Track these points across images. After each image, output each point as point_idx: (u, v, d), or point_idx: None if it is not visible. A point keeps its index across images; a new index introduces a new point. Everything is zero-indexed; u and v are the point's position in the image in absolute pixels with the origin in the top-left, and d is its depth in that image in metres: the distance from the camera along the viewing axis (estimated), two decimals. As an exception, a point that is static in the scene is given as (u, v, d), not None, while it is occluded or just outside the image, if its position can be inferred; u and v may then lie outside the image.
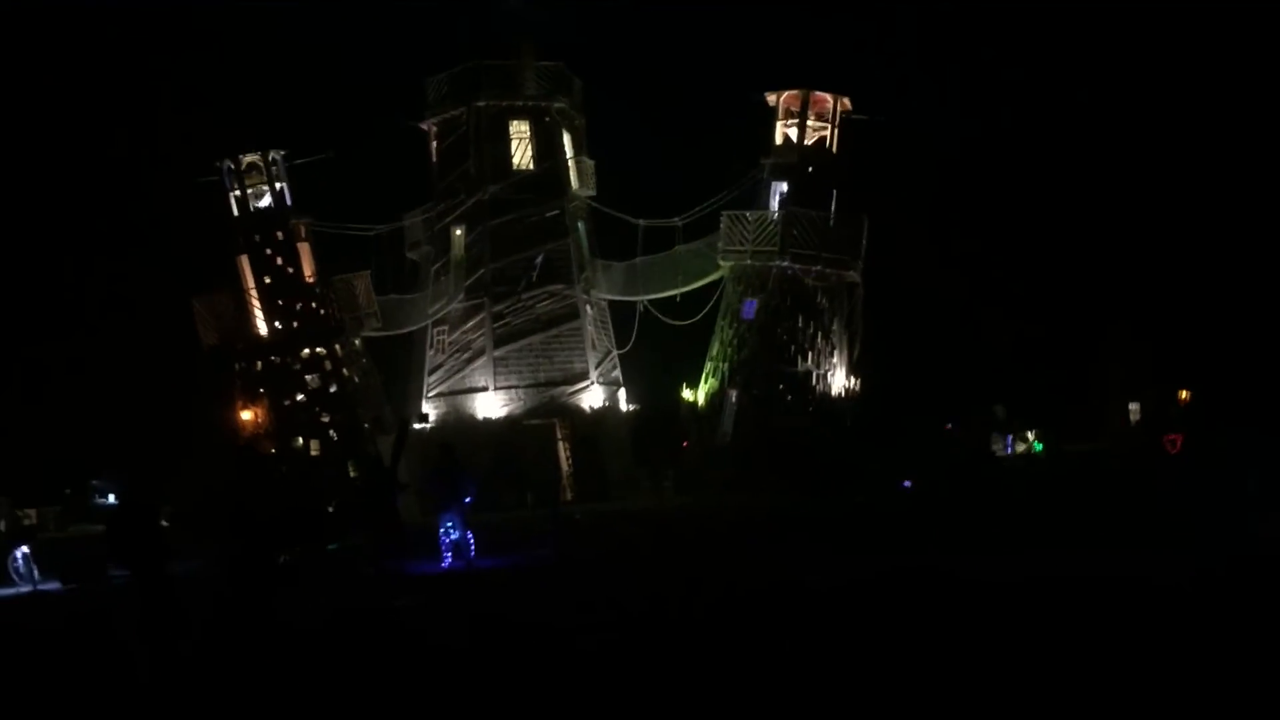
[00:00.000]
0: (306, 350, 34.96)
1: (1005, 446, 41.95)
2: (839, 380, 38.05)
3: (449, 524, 21.53)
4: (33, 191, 43.70)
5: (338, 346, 35.29)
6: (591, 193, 39.48)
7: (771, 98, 37.95)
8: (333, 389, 35.12)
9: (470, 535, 21.79)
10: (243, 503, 14.05)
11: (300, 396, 34.94)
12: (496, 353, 37.76)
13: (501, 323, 37.82)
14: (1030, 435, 46.14)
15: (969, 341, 48.47)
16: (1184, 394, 50.26)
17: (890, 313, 41.60)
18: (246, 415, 34.85)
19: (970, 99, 50.56)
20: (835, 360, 37.93)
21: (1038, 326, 51.63)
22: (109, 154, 44.30)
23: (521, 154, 38.72)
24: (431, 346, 38.97)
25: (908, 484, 33.19)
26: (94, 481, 38.16)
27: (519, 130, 38.73)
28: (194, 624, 13.37)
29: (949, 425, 37.30)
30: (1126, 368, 50.68)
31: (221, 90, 43.07)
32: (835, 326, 37.89)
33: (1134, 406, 50.53)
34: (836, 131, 37.92)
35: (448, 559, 21.48)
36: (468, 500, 21.81)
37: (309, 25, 42.95)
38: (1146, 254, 49.92)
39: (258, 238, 34.93)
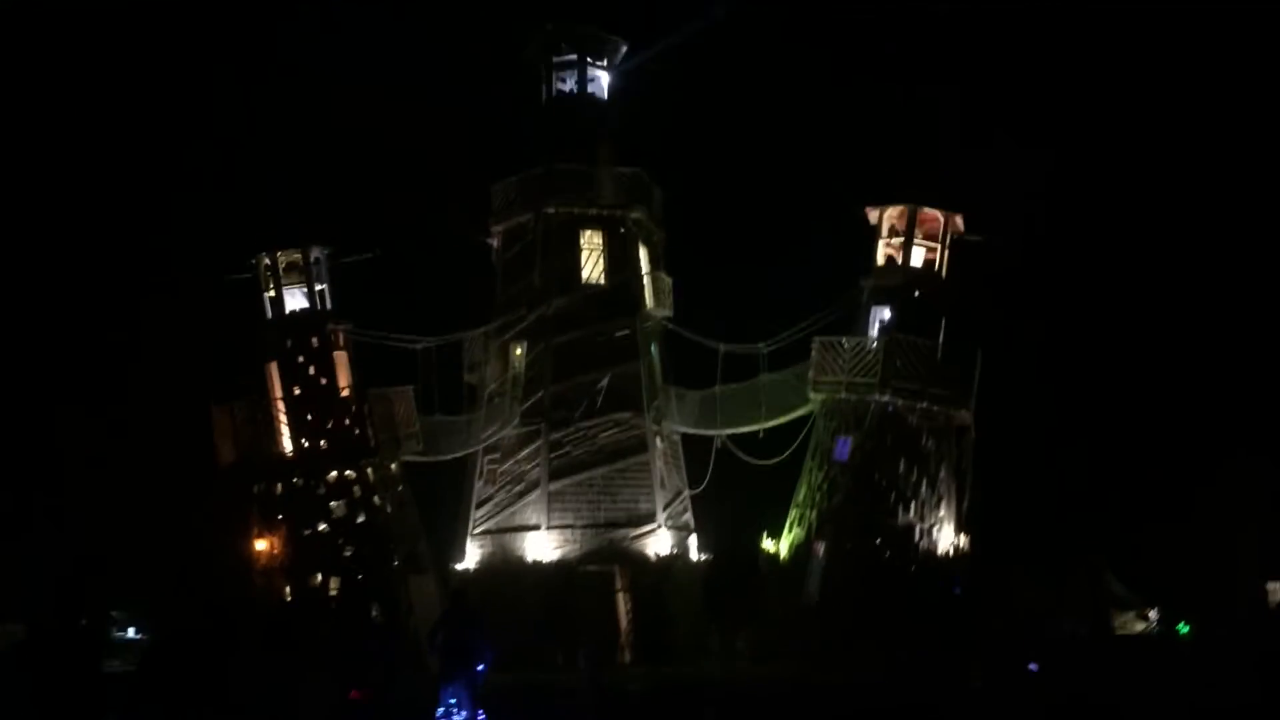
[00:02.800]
0: (334, 472, 29.34)
1: (1153, 628, 34.58)
2: (946, 536, 31.43)
3: (452, 701, 15.38)
4: (41, 273, 39.08)
5: (370, 470, 29.65)
6: (668, 313, 34.12)
7: (873, 214, 32.54)
8: (360, 518, 29.35)
9: (483, 716, 15.60)
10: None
11: (323, 526, 29.19)
12: (552, 486, 31.97)
13: (560, 453, 32.13)
14: (1151, 615, 38.95)
15: (1079, 495, 41.39)
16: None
17: (1000, 461, 35.01)
18: (261, 545, 29.15)
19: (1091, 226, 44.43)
20: (942, 513, 31.39)
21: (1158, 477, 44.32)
22: (130, 240, 39.81)
23: (592, 266, 33.61)
24: (480, 476, 33.28)
25: (1034, 666, 26.57)
26: (114, 613, 32.73)
27: (591, 241, 33.73)
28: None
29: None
30: (1265, 532, 42.91)
31: (262, 178, 38.60)
32: (943, 474, 31.49)
33: (1275, 586, 42.64)
34: (947, 253, 32.24)
35: (447, 752, 15.26)
36: (481, 668, 15.70)
37: (367, 112, 38.40)
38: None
39: (290, 343, 29.76)
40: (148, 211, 41.06)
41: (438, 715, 15.53)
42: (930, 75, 45.00)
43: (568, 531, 31.80)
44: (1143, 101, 47.68)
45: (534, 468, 32.24)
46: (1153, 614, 38.83)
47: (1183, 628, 36.85)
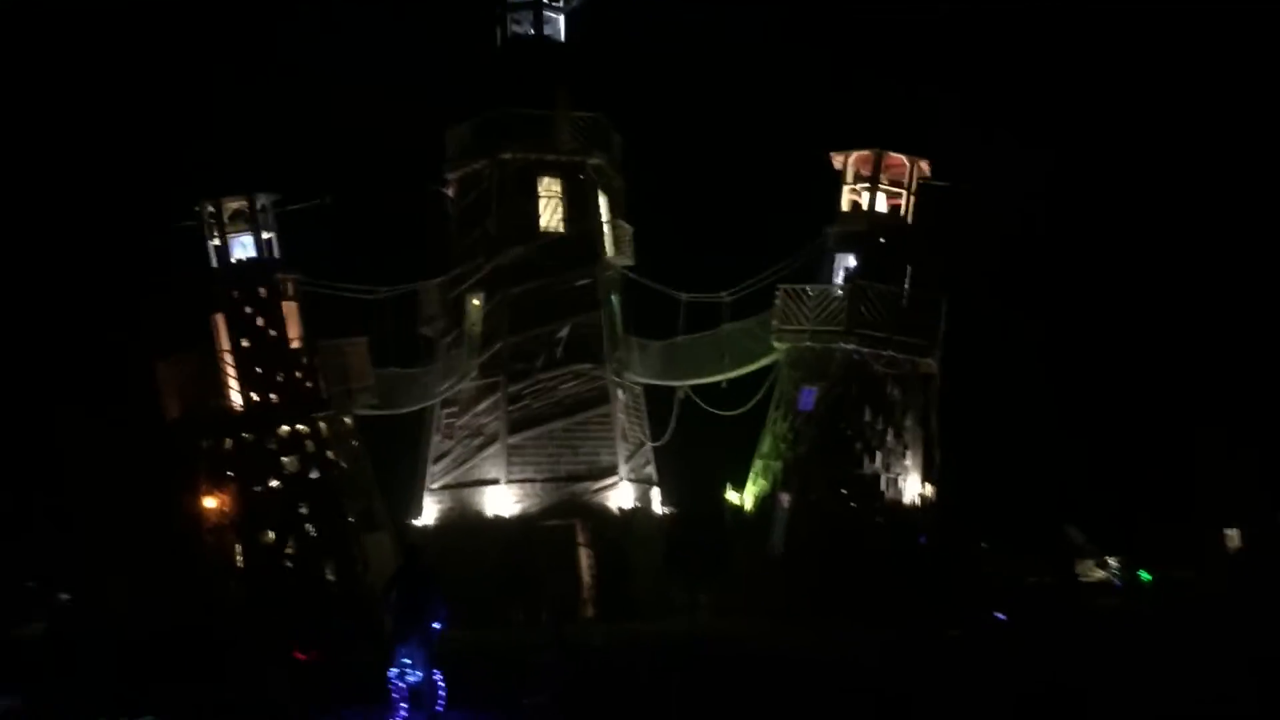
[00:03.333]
0: (285, 427, 28.12)
1: (1114, 576, 34.25)
2: (912, 486, 30.78)
3: (406, 661, 14.45)
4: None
5: (323, 424, 28.45)
6: (629, 262, 33.06)
7: (838, 159, 31.57)
8: (314, 474, 28.19)
9: (439, 676, 14.72)
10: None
11: (275, 482, 28.01)
12: (511, 440, 30.94)
13: (519, 405, 31.08)
14: (1112, 562, 38.82)
15: (1046, 448, 41.03)
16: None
17: (965, 410, 34.36)
18: (210, 502, 27.95)
19: (1061, 175, 43.65)
20: (908, 463, 30.71)
21: (1116, 432, 44.18)
22: (67, 187, 38.04)
23: (550, 214, 32.40)
24: (437, 431, 32.19)
25: (1002, 616, 26.20)
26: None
27: (549, 188, 32.49)
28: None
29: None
30: (1223, 483, 42.91)
31: (206, 123, 36.94)
32: (909, 422, 30.76)
33: (1231, 533, 42.64)
34: (913, 199, 31.36)
35: (401, 714, 14.36)
36: (437, 626, 14.79)
37: (317, 58, 36.78)
38: (1253, 349, 42.53)
39: (237, 294, 28.40)
40: (87, 158, 39.23)
41: (390, 676, 14.62)
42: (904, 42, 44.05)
43: (528, 486, 30.83)
44: (1126, 68, 47.11)
45: (492, 421, 31.21)
46: (1112, 561, 38.70)
47: (1145, 575, 36.68)
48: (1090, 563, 39.45)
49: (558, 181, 32.36)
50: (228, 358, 28.19)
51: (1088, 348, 44.10)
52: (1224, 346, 43.63)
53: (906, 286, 30.72)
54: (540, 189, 32.37)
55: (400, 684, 14.50)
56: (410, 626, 14.79)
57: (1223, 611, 26.99)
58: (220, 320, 28.55)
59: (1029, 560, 36.19)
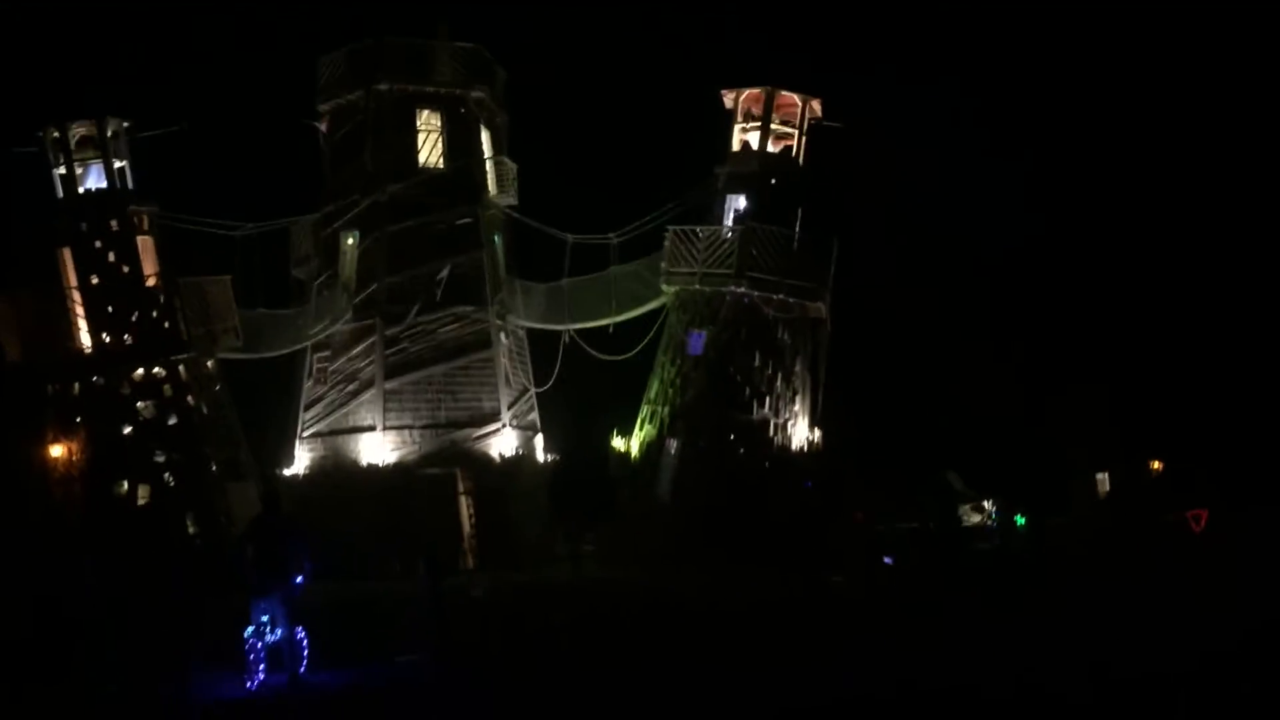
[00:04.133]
0: (140, 370, 25.88)
1: (989, 520, 34.10)
2: (800, 432, 30.03)
3: (264, 619, 12.89)
4: None
5: (182, 368, 26.30)
6: (513, 201, 31.43)
7: (729, 97, 30.35)
8: (172, 420, 26.06)
9: (302, 634, 13.21)
10: None
11: (128, 429, 25.80)
12: (388, 385, 29.21)
13: (396, 349, 29.33)
14: (988, 506, 39.01)
15: (930, 395, 40.93)
16: (1156, 464, 43.63)
17: (852, 355, 33.76)
18: (57, 451, 25.62)
19: (954, 117, 43.20)
20: (797, 408, 29.94)
21: (994, 382, 44.42)
22: None
23: (430, 150, 30.54)
24: (310, 376, 30.24)
25: (889, 560, 25.64)
26: None
27: (428, 122, 30.63)
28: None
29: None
30: (1092, 432, 43.60)
31: (54, 39, 33.83)
32: (798, 367, 29.95)
33: (1102, 477, 43.36)
34: (805, 139, 30.37)
35: (258, 676, 12.82)
36: (299, 580, 13.25)
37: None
38: (1120, 303, 43.10)
39: (85, 226, 25.94)
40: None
41: (247, 635, 13.05)
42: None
43: (405, 433, 29.18)
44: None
45: (368, 365, 29.40)
46: (988, 504, 38.84)
47: (1019, 520, 36.84)
48: (968, 507, 39.58)
49: (438, 115, 30.50)
50: (76, 295, 25.81)
51: (971, 295, 44.07)
52: (1102, 294, 44.16)
53: (798, 229, 29.79)
54: (419, 123, 30.51)
55: (258, 643, 12.97)
56: (269, 581, 13.24)
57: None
58: (67, 255, 26.17)
59: (910, 505, 36.08)
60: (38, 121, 26.35)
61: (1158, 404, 42.89)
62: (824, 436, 30.62)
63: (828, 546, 26.59)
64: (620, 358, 30.20)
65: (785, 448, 29.54)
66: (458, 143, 30.52)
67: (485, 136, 31.26)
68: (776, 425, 29.47)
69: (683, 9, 40.38)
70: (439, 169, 30.32)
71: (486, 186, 30.87)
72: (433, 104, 30.45)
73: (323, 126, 31.31)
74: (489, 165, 31.13)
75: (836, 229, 30.38)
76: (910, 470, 36.99)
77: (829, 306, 30.17)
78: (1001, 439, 41.87)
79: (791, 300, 29.48)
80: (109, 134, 26.45)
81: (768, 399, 29.33)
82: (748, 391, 29.19)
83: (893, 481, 34.80)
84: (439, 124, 30.57)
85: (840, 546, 26.73)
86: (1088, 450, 43.87)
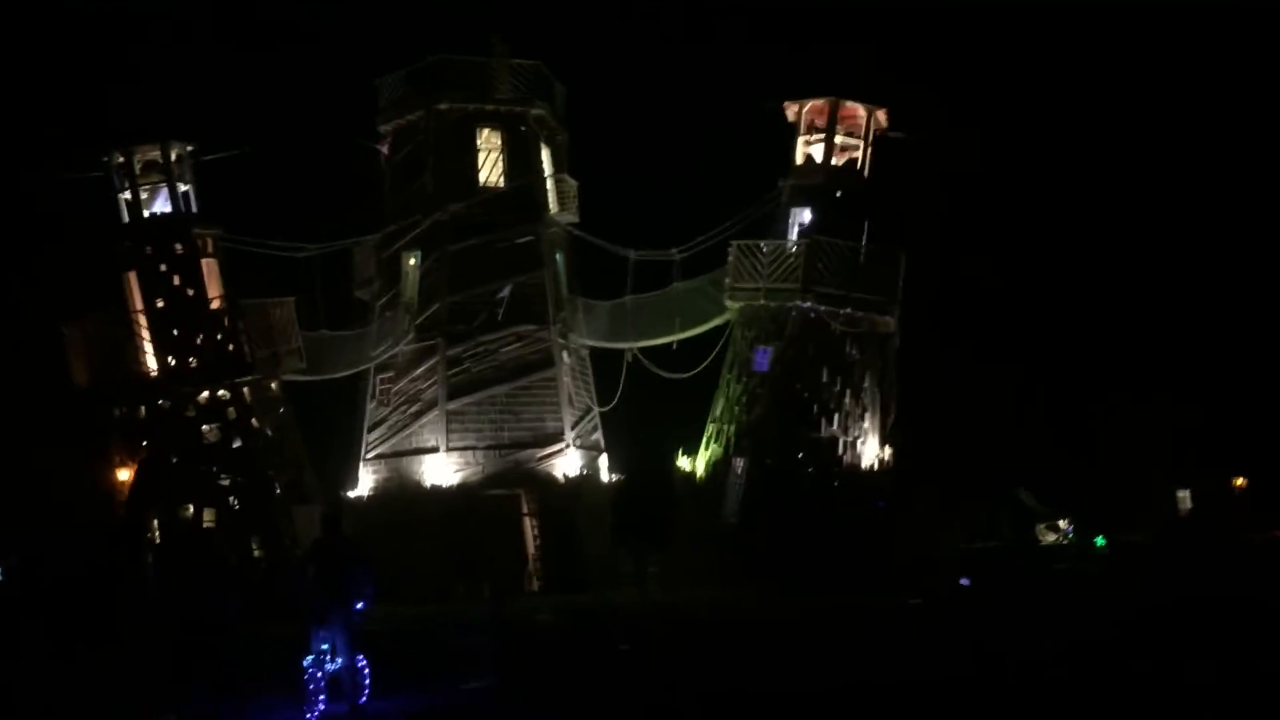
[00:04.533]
0: (205, 393, 25.77)
1: (1065, 539, 32.84)
2: (870, 449, 29.15)
3: (324, 646, 12.39)
4: None
5: (246, 390, 26.14)
6: (574, 218, 30.98)
7: (792, 109, 29.71)
8: (237, 443, 25.89)
9: (363, 662, 12.67)
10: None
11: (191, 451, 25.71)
12: (451, 406, 28.84)
13: (458, 370, 28.98)
14: (1063, 525, 37.66)
15: (1002, 409, 39.68)
16: (1240, 481, 42.04)
17: (922, 370, 32.80)
18: (124, 474, 25.56)
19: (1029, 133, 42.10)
20: (866, 425, 29.07)
21: (1068, 396, 43.12)
22: None
23: (490, 168, 30.23)
24: (373, 397, 29.98)
25: (966, 581, 24.72)
26: None
27: (488, 141, 30.33)
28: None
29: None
30: (1172, 447, 42.08)
31: (120, 65, 34.05)
32: (867, 383, 29.10)
33: (1183, 494, 41.79)
34: (870, 151, 29.59)
35: (319, 706, 12.30)
36: (360, 606, 12.72)
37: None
38: (1201, 315, 41.59)
39: (150, 250, 25.93)
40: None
41: (306, 664, 12.56)
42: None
43: (469, 453, 28.79)
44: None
45: (430, 386, 29.08)
46: (1064, 524, 37.53)
47: (1099, 541, 35.53)
48: (1043, 526, 38.33)
49: (498, 134, 30.21)
50: (141, 319, 25.77)
51: (1045, 308, 42.80)
52: (1182, 309, 42.71)
53: (864, 242, 29.01)
54: (480, 141, 30.24)
55: (317, 672, 12.47)
56: (329, 607, 12.75)
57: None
58: (132, 279, 26.15)
59: (983, 524, 35.01)
60: (103, 147, 26.40)
61: (1241, 419, 41.33)
62: (895, 454, 29.73)
63: (900, 566, 25.77)
64: (685, 375, 29.58)
65: (855, 466, 28.70)
66: (518, 161, 30.22)
67: (546, 154, 30.92)
68: (846, 443, 28.65)
69: (748, 20, 39.71)
70: (500, 188, 30.01)
71: (547, 204, 30.49)
72: (493, 122, 30.18)
73: (384, 148, 31.19)
74: (550, 183, 30.77)
75: (904, 241, 29.60)
76: (983, 488, 35.92)
77: (898, 320, 29.35)
78: (1077, 454, 40.62)
79: (859, 314, 28.70)
80: (173, 158, 26.49)
81: (836, 416, 28.53)
82: (815, 409, 28.43)
83: (965, 499, 33.81)
84: (499, 142, 30.28)
85: (915, 566, 25.90)
86: (1167, 466, 42.43)
